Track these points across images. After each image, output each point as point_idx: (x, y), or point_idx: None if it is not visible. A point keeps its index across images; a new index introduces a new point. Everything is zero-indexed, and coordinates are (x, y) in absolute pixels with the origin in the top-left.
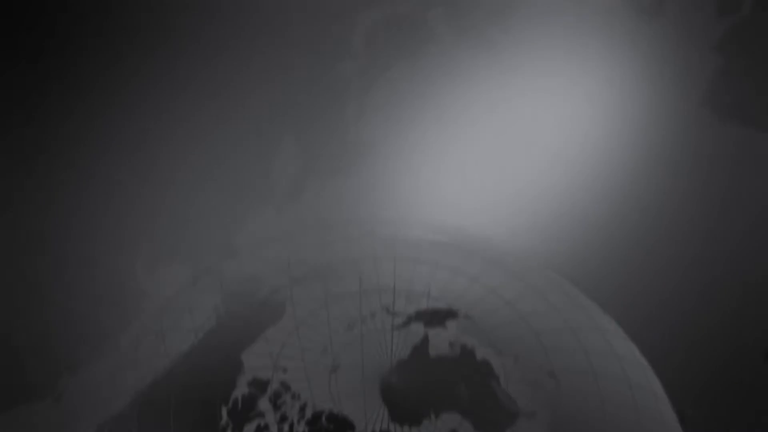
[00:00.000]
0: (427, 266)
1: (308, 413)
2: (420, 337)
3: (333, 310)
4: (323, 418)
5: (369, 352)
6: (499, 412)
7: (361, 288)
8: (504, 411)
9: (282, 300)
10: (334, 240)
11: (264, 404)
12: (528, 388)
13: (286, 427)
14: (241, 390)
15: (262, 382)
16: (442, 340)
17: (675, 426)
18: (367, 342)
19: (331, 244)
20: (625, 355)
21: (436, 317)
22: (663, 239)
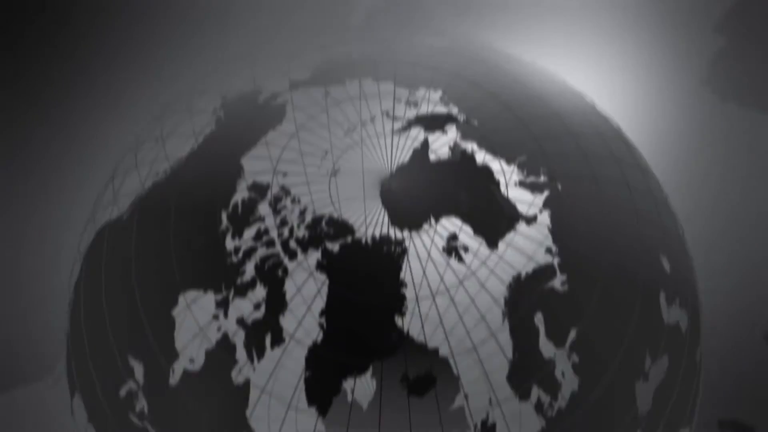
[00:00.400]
0: (427, 70)
1: (308, 218)
2: (420, 141)
3: (333, 114)
4: (323, 223)
5: (369, 156)
6: (499, 217)
7: (361, 92)
8: (504, 215)
9: (282, 104)
10: (332, 43)
11: (264, 209)
12: (528, 192)
13: (286, 232)
14: (240, 194)
15: (262, 186)
16: (441, 144)
17: (674, 231)
18: (367, 146)
19: (330, 47)
20: (624, 158)
21: (436, 122)
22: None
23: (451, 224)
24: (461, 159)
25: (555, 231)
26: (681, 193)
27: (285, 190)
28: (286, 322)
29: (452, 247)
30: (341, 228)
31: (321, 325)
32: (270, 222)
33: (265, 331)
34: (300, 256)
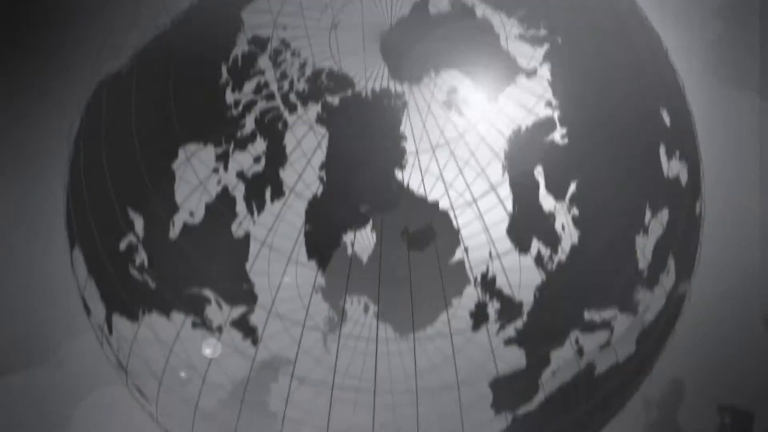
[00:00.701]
0: None
1: (308, 71)
2: None
3: None
4: (323, 76)
5: (369, 10)
6: (498, 70)
7: None
8: (504, 69)
9: None
10: None
11: (264, 62)
12: (528, 46)
13: (286, 85)
14: (240, 48)
15: (262, 39)
16: None
17: (674, 85)
18: (366, 0)
19: None
20: (624, 11)
21: None
22: None
23: (451, 78)
24: (461, 13)
25: (555, 84)
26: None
27: (285, 44)
28: (286, 175)
29: (452, 101)
30: (341, 81)
31: (321, 179)
32: (270, 75)
33: (265, 185)
34: (300, 109)
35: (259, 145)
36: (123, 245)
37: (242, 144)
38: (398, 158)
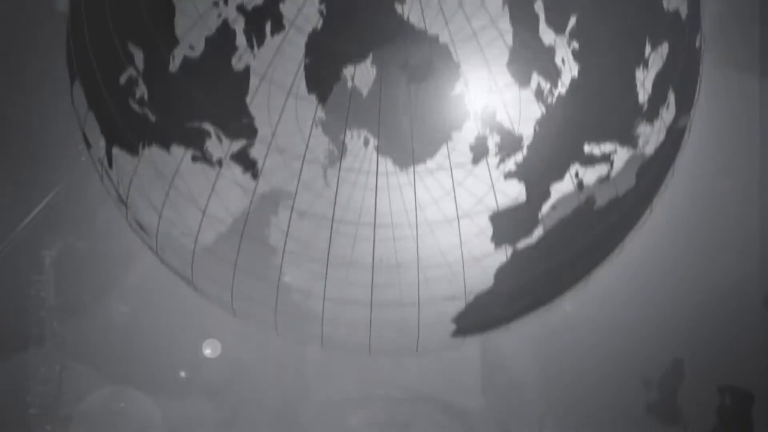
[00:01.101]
0: None
1: None
2: None
3: None
4: None
5: None
6: None
7: None
8: None
9: None
10: None
11: None
12: None
13: None
14: None
15: None
16: None
17: None
18: None
19: None
20: None
21: None
22: None
23: None
24: None
25: None
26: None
27: None
28: (286, 8)
29: None
30: None
31: (321, 12)
32: None
33: (265, 18)
34: None
35: None
36: (123, 79)
37: None
38: None
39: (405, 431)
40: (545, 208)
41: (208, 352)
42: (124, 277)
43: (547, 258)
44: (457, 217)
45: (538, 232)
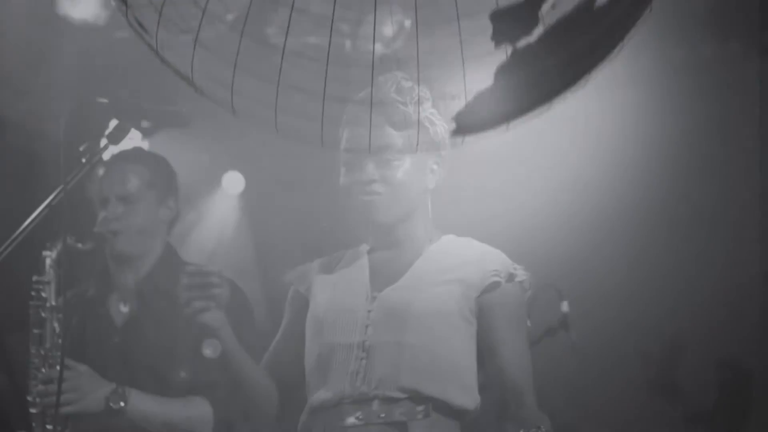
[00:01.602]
0: None
1: None
2: None
3: None
4: None
5: None
6: None
7: None
8: None
9: None
10: None
11: None
12: None
13: None
14: None
15: None
16: None
17: None
18: None
19: None
20: None
21: None
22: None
23: None
24: None
25: None
26: (675, 139)
27: None
28: None
29: None
30: None
31: None
32: None
33: None
34: None
35: None
36: None
37: None
38: None
39: (402, 431)
40: (545, 6)
41: (208, 352)
42: (125, 277)
43: (548, 56)
44: (457, 17)
45: (538, 31)
